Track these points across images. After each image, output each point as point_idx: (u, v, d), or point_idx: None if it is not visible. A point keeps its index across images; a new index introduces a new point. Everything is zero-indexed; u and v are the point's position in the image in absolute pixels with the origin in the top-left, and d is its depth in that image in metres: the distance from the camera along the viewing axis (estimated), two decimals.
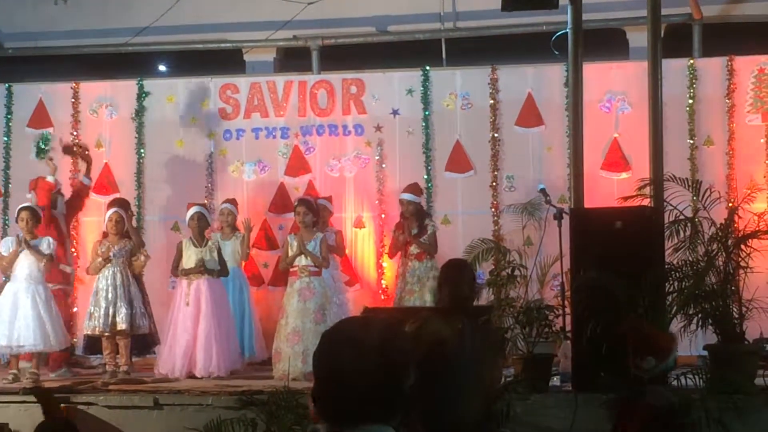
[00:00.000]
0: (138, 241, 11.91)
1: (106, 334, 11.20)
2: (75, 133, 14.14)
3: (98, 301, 11.26)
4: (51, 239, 11.65)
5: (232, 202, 12.94)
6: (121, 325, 11.17)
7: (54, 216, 12.31)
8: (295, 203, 12.16)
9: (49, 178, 12.49)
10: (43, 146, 12.71)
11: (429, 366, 5.77)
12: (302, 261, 11.61)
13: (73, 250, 13.74)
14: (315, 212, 11.92)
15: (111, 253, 11.41)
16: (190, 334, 11.43)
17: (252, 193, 13.73)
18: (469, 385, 5.96)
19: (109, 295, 11.22)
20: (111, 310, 11.18)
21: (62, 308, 11.77)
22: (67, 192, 12.92)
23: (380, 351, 2.68)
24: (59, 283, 12.00)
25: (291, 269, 11.68)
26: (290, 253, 11.64)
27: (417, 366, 5.73)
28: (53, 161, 12.67)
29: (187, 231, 12.34)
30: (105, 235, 11.80)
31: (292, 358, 11.08)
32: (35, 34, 15.20)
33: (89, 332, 11.39)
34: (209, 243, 11.82)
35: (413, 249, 12.28)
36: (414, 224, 12.34)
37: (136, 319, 11.32)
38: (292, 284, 11.64)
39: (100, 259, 11.41)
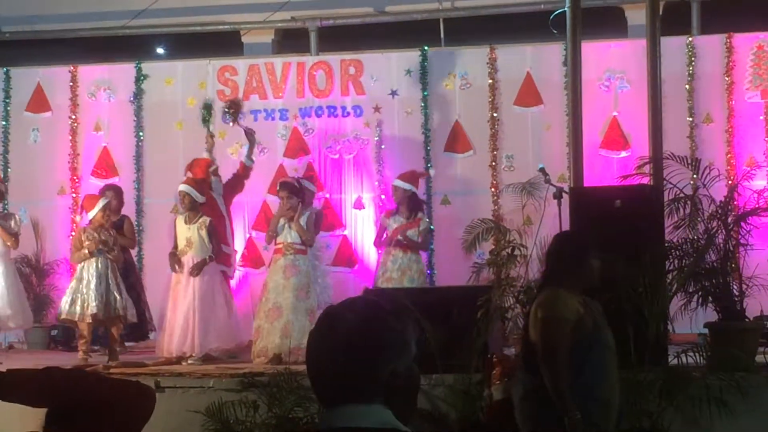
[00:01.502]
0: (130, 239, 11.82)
1: (84, 321, 11.15)
2: (74, 117, 14.15)
3: (80, 289, 11.17)
4: (18, 216, 11.71)
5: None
6: (116, 312, 11.15)
7: (212, 197, 12.04)
8: (277, 187, 12.03)
9: (205, 155, 12.29)
10: (207, 116, 12.51)
11: (571, 347, 5.69)
12: (288, 238, 11.44)
13: (73, 234, 13.77)
14: (298, 193, 11.74)
15: (98, 244, 11.30)
16: (181, 313, 11.28)
17: (251, 175, 13.69)
18: (613, 364, 5.93)
19: (92, 284, 11.13)
20: (92, 297, 11.11)
21: (221, 289, 11.59)
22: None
23: (351, 333, 2.67)
24: (222, 264, 11.77)
25: (276, 246, 11.56)
26: (277, 224, 11.53)
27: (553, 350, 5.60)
28: (213, 138, 12.44)
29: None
30: (90, 222, 11.61)
31: (271, 333, 11.02)
32: (33, 18, 15.18)
33: (68, 317, 11.30)
34: (200, 220, 11.49)
35: (400, 237, 12.15)
36: (405, 212, 12.23)
37: (125, 307, 11.29)
38: (276, 261, 11.50)
39: (85, 251, 11.32)
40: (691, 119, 12.94)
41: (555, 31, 12.38)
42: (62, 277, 13.75)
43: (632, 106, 12.77)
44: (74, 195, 14.03)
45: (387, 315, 2.74)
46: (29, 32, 15.36)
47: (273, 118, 13.81)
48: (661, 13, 11.35)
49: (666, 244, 9.48)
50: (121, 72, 14.29)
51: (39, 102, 14.33)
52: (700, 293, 9.41)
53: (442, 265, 13.15)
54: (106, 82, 14.24)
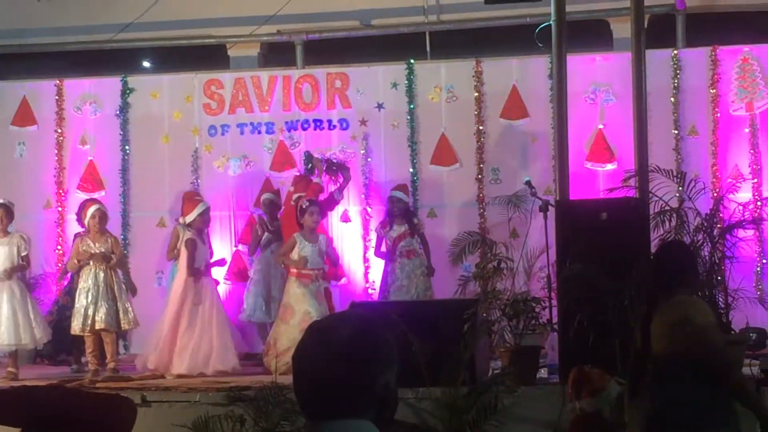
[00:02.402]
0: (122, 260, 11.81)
1: (86, 333, 11.14)
2: (59, 130, 14.12)
3: (80, 300, 11.19)
4: (23, 237, 11.65)
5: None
6: (100, 324, 11.12)
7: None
8: (306, 204, 11.96)
9: (316, 180, 12.51)
10: (309, 164, 12.70)
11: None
12: (318, 264, 11.65)
13: (59, 248, 13.76)
14: (323, 214, 12.18)
15: (90, 254, 11.30)
16: (201, 331, 11.36)
17: (237, 189, 13.71)
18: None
19: (90, 295, 11.14)
20: (92, 309, 11.11)
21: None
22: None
23: (348, 345, 2.68)
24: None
25: (303, 272, 11.59)
26: (300, 253, 11.59)
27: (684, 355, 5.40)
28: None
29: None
30: (85, 232, 11.64)
31: None
32: (18, 32, 15.15)
33: (71, 332, 11.34)
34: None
35: (403, 245, 12.30)
36: (402, 222, 12.40)
37: (120, 315, 11.26)
38: (306, 286, 11.56)
39: (75, 260, 11.34)
40: (676, 132, 12.96)
41: (540, 44, 12.42)
42: (48, 291, 13.70)
43: (618, 118, 12.81)
44: (60, 209, 14.00)
45: (379, 328, 2.75)
46: (15, 46, 15.31)
47: (259, 132, 13.80)
48: (646, 26, 11.41)
49: (652, 257, 9.49)
50: (107, 86, 14.26)
51: (25, 116, 14.28)
52: None
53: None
54: (92, 95, 14.21)
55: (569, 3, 11.31)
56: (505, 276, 10.13)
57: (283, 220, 12.57)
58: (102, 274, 11.23)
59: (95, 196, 13.65)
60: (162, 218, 13.68)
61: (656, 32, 13.05)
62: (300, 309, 11.39)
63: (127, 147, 14.00)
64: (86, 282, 11.22)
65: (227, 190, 13.65)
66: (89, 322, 11.10)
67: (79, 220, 12.33)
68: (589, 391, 7.03)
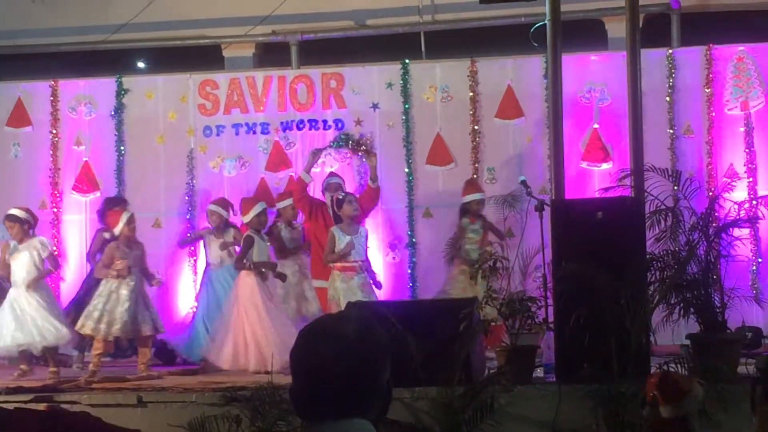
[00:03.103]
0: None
1: (112, 337, 11.19)
2: (54, 131, 14.10)
3: (106, 307, 11.13)
4: (41, 242, 11.65)
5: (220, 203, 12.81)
6: (145, 331, 11.20)
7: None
8: (342, 195, 12.10)
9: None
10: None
11: None
12: (362, 256, 11.76)
13: (55, 249, 13.73)
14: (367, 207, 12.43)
15: (130, 263, 11.29)
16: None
17: (232, 189, 13.70)
18: None
19: (125, 305, 11.11)
20: (131, 316, 11.11)
21: None
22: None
23: (355, 345, 2.69)
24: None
25: (347, 264, 11.71)
26: (338, 247, 11.66)
27: None
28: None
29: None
30: (116, 237, 11.58)
31: None
32: (13, 32, 15.12)
33: (91, 333, 11.28)
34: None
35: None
36: (480, 220, 12.40)
37: (155, 322, 11.35)
38: (349, 280, 11.66)
39: (114, 271, 11.25)
40: (671, 131, 12.97)
41: (535, 44, 12.39)
42: None
43: (613, 118, 12.83)
44: (55, 210, 13.99)
45: (378, 327, 2.77)
46: (9, 47, 15.28)
47: (254, 132, 13.80)
48: (641, 25, 11.40)
49: (647, 256, 9.50)
50: (102, 86, 14.25)
51: (19, 117, 14.27)
52: (681, 305, 9.42)
53: (425, 277, 13.15)
54: (86, 96, 14.20)
55: (564, 2, 11.30)
56: (501, 275, 10.11)
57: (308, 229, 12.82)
58: (135, 282, 11.24)
59: (90, 197, 13.75)
60: (157, 219, 13.68)
61: (651, 32, 13.05)
62: (344, 304, 11.49)
63: (122, 148, 13.99)
64: (117, 292, 11.17)
65: (222, 191, 13.64)
66: (129, 328, 11.11)
67: (102, 218, 12.31)
68: (675, 395, 6.91)
